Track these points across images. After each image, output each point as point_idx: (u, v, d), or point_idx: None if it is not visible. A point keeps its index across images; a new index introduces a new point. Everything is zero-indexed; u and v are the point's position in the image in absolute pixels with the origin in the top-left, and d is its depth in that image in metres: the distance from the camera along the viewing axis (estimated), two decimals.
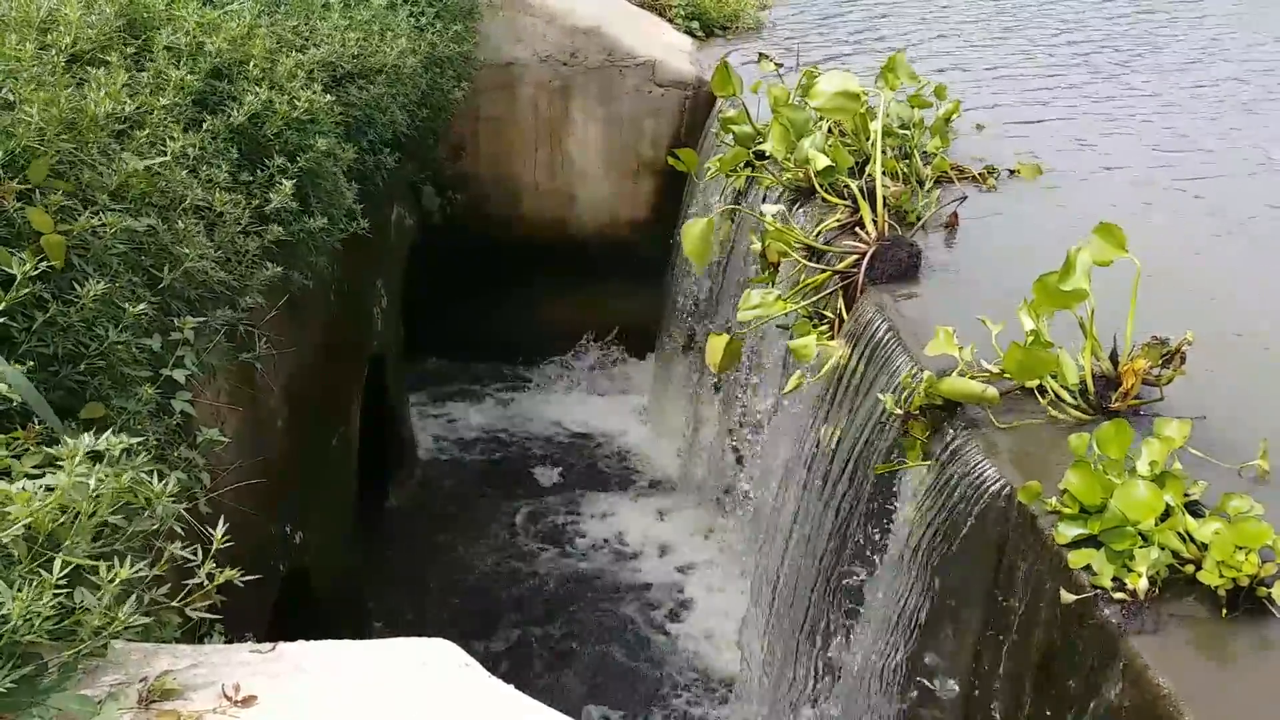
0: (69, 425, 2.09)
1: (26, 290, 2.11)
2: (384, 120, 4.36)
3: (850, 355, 3.98)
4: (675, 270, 7.18)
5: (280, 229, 3.16)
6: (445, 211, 7.64)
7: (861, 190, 4.40)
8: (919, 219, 4.52)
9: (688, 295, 6.89)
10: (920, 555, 3.35)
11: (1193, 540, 2.53)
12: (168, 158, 2.78)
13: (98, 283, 2.27)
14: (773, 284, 4.57)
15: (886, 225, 4.27)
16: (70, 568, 1.61)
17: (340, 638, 1.93)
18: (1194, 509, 2.64)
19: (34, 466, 1.78)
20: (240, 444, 3.39)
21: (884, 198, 4.32)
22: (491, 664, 1.88)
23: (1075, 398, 3.13)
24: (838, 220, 4.51)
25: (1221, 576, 2.43)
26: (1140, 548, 2.52)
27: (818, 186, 4.63)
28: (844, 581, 4.05)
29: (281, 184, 3.21)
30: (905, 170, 4.78)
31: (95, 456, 1.77)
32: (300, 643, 1.88)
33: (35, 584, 1.54)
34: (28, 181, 2.33)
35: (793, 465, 4.77)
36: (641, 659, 5.84)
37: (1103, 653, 2.45)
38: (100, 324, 2.29)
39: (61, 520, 1.66)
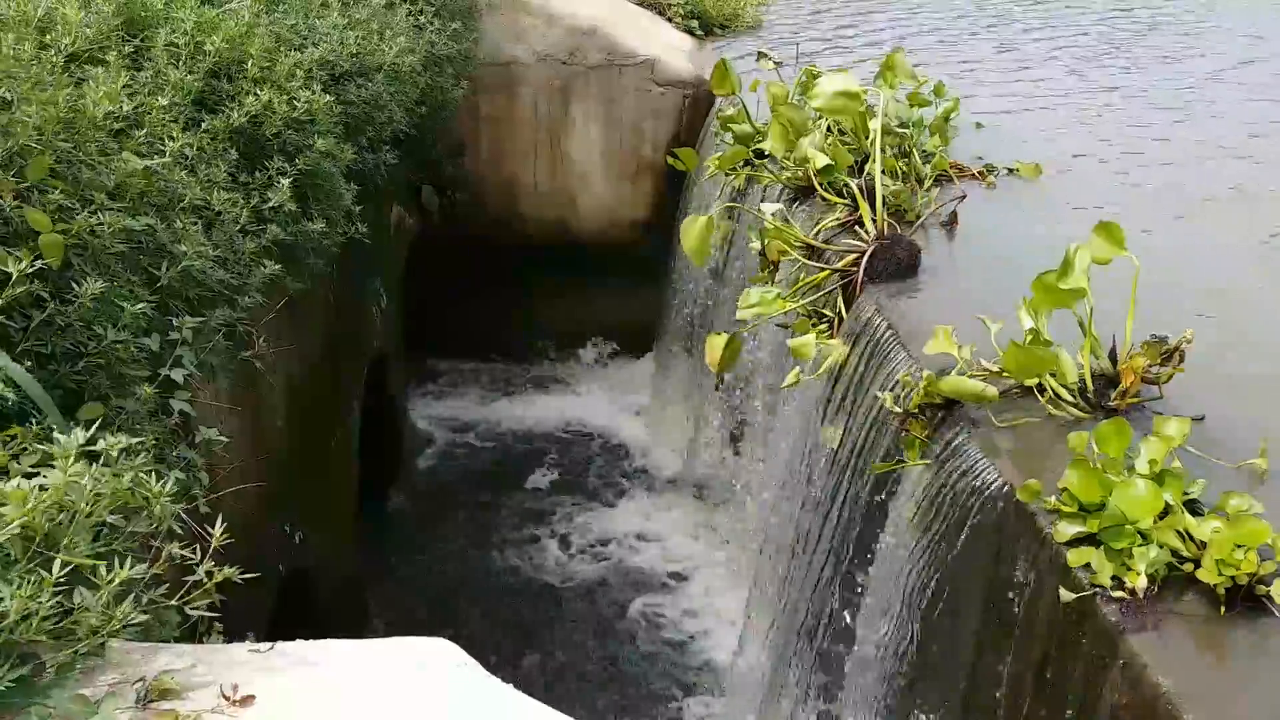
0: (68, 424, 2.09)
1: (24, 289, 2.11)
2: (382, 119, 4.36)
3: (850, 354, 3.97)
4: (674, 269, 7.17)
5: (279, 229, 3.16)
6: (445, 211, 7.63)
7: (861, 189, 4.40)
8: (918, 217, 4.52)
9: (687, 294, 6.89)
10: (919, 554, 3.34)
11: (1192, 539, 2.53)
12: (166, 157, 2.78)
13: (96, 282, 2.26)
14: (772, 283, 4.57)
15: (886, 224, 4.27)
16: (69, 568, 1.61)
17: (340, 637, 1.93)
18: (1193, 507, 2.63)
19: (32, 465, 1.78)
20: (240, 444, 3.39)
21: (883, 196, 4.32)
22: (490, 663, 1.87)
23: (1074, 396, 3.12)
24: (837, 219, 4.51)
25: (1220, 575, 2.42)
26: (1139, 546, 2.52)
27: (817, 185, 4.62)
28: (844, 580, 4.05)
29: (280, 183, 3.21)
30: (904, 169, 4.78)
31: (92, 456, 1.77)
32: (299, 642, 1.88)
33: (33, 582, 1.54)
34: (25, 180, 2.33)
35: (792, 464, 4.77)
36: (641, 657, 5.84)
37: (1102, 651, 2.45)
38: (99, 323, 2.29)
39: (59, 520, 1.66)
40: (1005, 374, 3.21)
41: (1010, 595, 2.85)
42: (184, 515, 2.16)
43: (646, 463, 7.46)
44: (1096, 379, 3.14)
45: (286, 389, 4.03)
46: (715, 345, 4.46)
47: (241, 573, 1.93)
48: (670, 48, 7.55)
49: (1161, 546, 2.51)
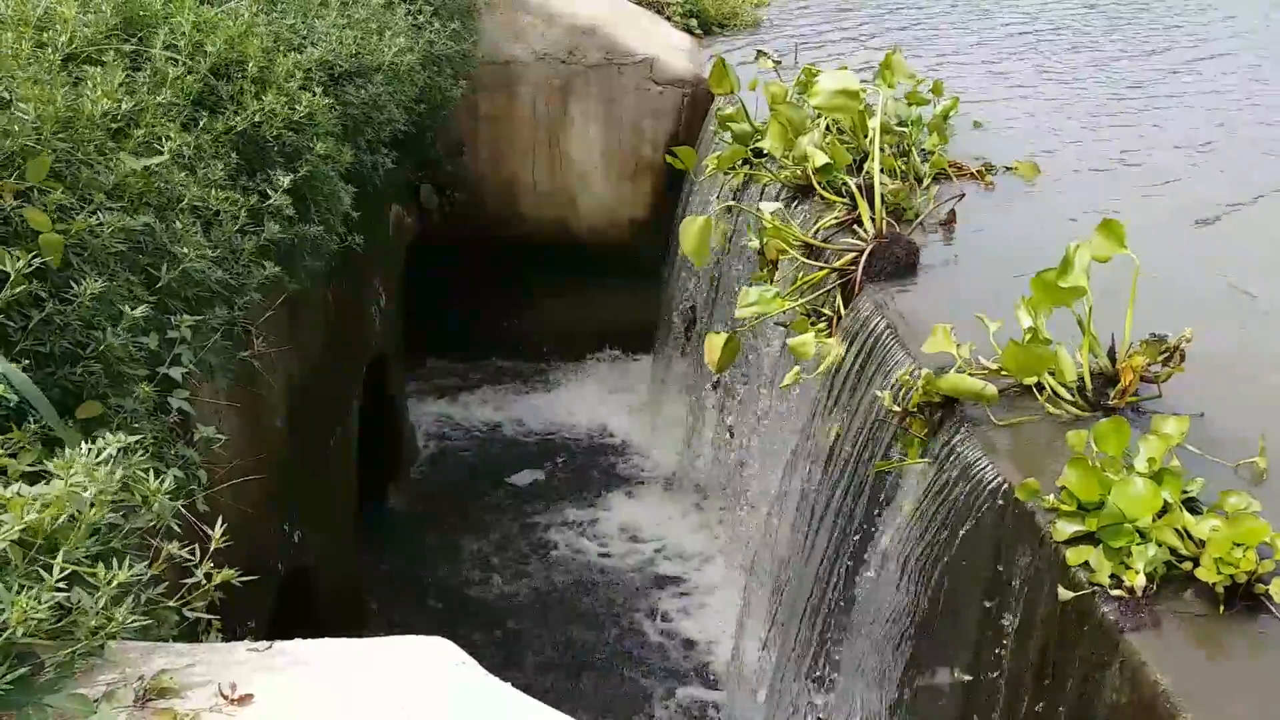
0: (66, 423, 2.09)
1: (22, 288, 2.11)
2: (381, 119, 4.35)
3: (848, 353, 3.97)
4: (674, 268, 7.17)
5: (277, 227, 3.16)
6: (444, 210, 7.63)
7: (860, 188, 4.40)
8: (917, 216, 4.52)
9: (686, 293, 6.89)
10: (918, 552, 3.35)
11: (1190, 537, 2.53)
12: (165, 157, 2.77)
13: (95, 281, 2.26)
14: (771, 282, 4.57)
15: (885, 223, 4.27)
16: (68, 570, 1.61)
17: (338, 636, 1.92)
18: (1192, 506, 2.64)
19: (29, 465, 1.78)
20: (239, 443, 3.39)
21: (882, 195, 4.32)
22: (489, 662, 1.87)
23: (1073, 395, 3.13)
24: (836, 218, 4.51)
25: (1219, 573, 2.43)
26: (1138, 545, 2.52)
27: (816, 184, 4.63)
28: (843, 579, 4.05)
29: (279, 181, 3.21)
30: (903, 168, 4.78)
31: (95, 464, 1.77)
32: (297, 641, 1.88)
33: (34, 590, 1.54)
34: (25, 180, 2.33)
35: (791, 462, 4.77)
36: (641, 655, 5.84)
37: (1101, 650, 2.45)
38: (97, 323, 2.29)
39: (60, 521, 1.66)
40: (1004, 372, 3.22)
41: (1009, 594, 2.85)
42: (184, 513, 2.16)
43: (646, 461, 7.46)
44: (1095, 378, 3.15)
45: (286, 388, 4.03)
46: (714, 344, 4.46)
47: (240, 574, 1.93)
48: (669, 47, 7.55)
49: (1160, 545, 2.52)
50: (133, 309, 2.34)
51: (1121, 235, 3.10)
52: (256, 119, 3.32)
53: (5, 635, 1.49)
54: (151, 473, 1.90)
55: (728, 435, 6.24)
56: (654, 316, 7.65)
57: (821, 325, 4.24)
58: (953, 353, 3.30)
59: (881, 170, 4.42)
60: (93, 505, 1.68)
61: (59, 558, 1.60)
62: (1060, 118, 6.28)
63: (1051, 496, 2.73)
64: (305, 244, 3.48)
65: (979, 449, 3.07)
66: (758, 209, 4.67)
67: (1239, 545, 2.43)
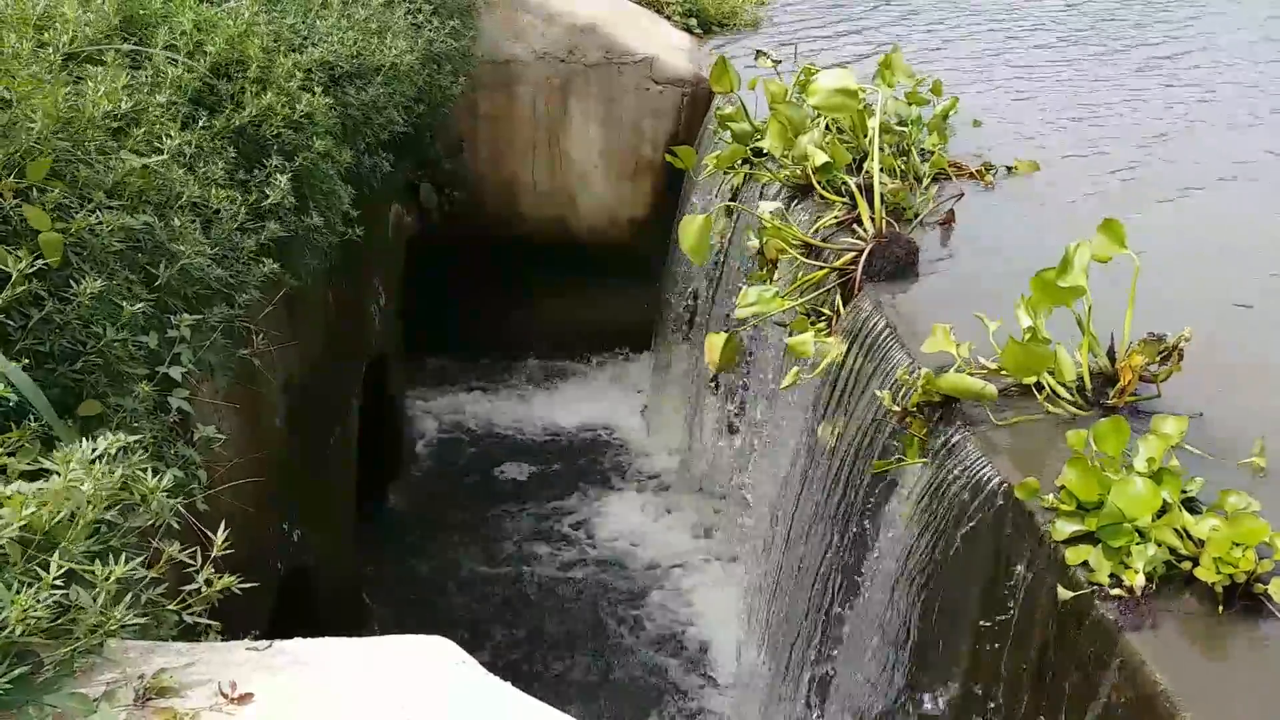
0: (66, 422, 2.09)
1: (23, 288, 2.11)
2: (381, 120, 4.35)
3: (848, 352, 3.98)
4: (673, 268, 7.18)
5: (277, 225, 3.16)
6: (444, 210, 7.62)
7: (859, 187, 4.40)
8: (917, 216, 4.52)
9: (686, 293, 6.89)
10: (918, 552, 3.35)
11: (1190, 537, 2.53)
12: (165, 155, 2.77)
13: (94, 280, 2.26)
14: (770, 281, 4.57)
15: (884, 222, 4.27)
16: (66, 568, 1.61)
17: (338, 636, 1.92)
18: (1191, 505, 2.64)
19: (28, 463, 1.78)
20: (239, 442, 3.39)
21: (881, 195, 4.32)
22: (488, 661, 1.88)
23: (1072, 394, 3.13)
24: (835, 217, 4.51)
25: (1218, 573, 2.43)
26: (1137, 544, 2.52)
27: (815, 184, 4.63)
28: (843, 578, 4.05)
29: (278, 180, 3.21)
30: (903, 167, 4.78)
31: (93, 459, 1.77)
32: (297, 640, 1.88)
33: (34, 588, 1.54)
34: (25, 180, 2.33)
35: (791, 462, 4.77)
36: (642, 654, 5.84)
37: (1100, 649, 2.45)
38: (97, 321, 2.29)
39: (57, 519, 1.66)
40: (1003, 372, 3.22)
41: (1008, 593, 2.85)
42: (184, 513, 2.16)
43: (645, 461, 7.46)
44: (1095, 377, 3.15)
45: (285, 388, 4.03)
46: (714, 344, 4.47)
47: (240, 579, 1.93)
48: (669, 46, 7.55)
49: (1159, 545, 2.52)
50: (131, 306, 2.33)
51: (1121, 235, 3.10)
52: (256, 118, 3.32)
53: (4, 633, 1.49)
54: (150, 471, 1.90)
55: (727, 435, 6.24)
56: (654, 316, 7.65)
57: (821, 325, 4.24)
58: (952, 352, 3.31)
59: (881, 170, 4.42)
60: (91, 503, 1.68)
61: (57, 555, 1.60)
62: (1062, 117, 6.28)
63: (1051, 496, 2.73)
64: (305, 239, 3.48)
65: (978, 448, 3.07)
66: (757, 208, 4.67)
67: (1238, 545, 2.43)
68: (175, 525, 1.96)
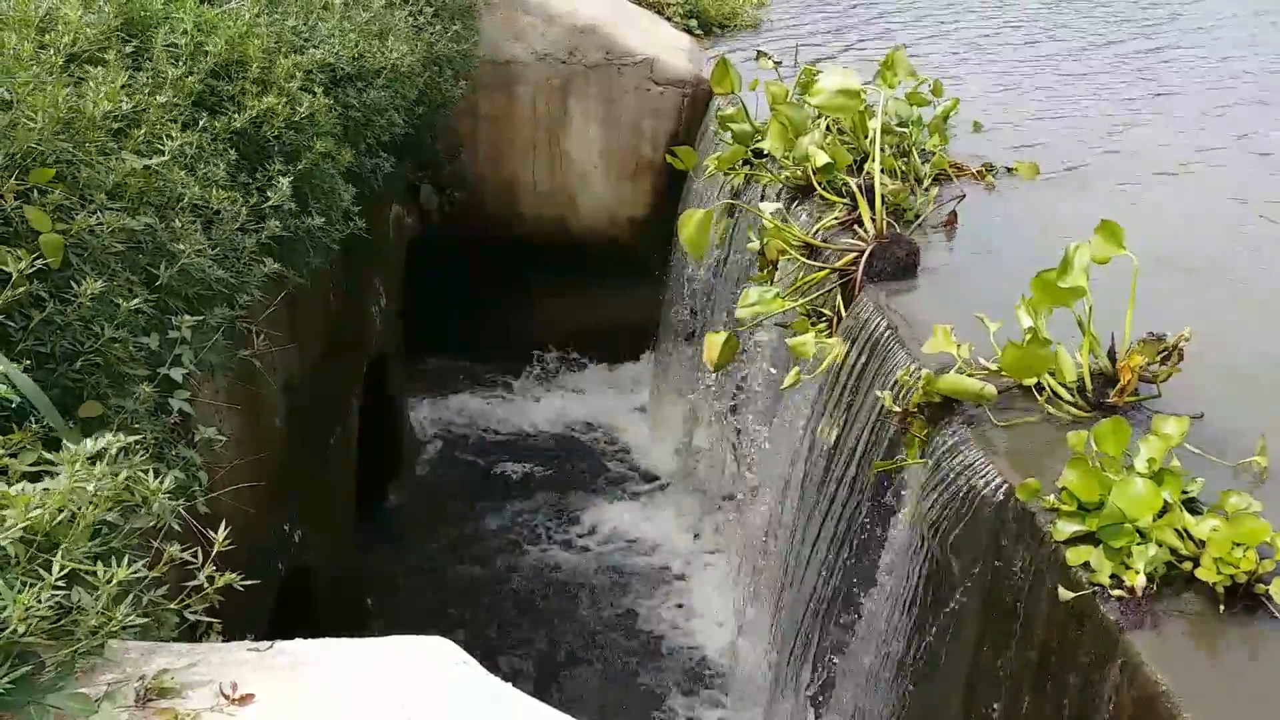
0: (67, 423, 2.09)
1: (24, 289, 2.11)
2: (381, 122, 4.36)
3: (848, 353, 3.98)
4: (673, 268, 7.18)
5: (278, 225, 3.15)
6: (444, 210, 7.63)
7: (860, 188, 4.40)
8: (917, 217, 4.52)
9: (686, 293, 6.90)
10: (918, 552, 3.35)
11: (1190, 537, 2.53)
12: (165, 156, 2.77)
13: (95, 281, 2.26)
14: (771, 282, 4.57)
15: (885, 223, 4.27)
16: (68, 569, 1.61)
17: (339, 636, 1.93)
18: (1192, 506, 2.64)
19: (30, 465, 1.78)
20: (239, 443, 3.39)
21: (882, 196, 4.32)
22: (489, 662, 1.88)
23: (1073, 395, 3.13)
24: (836, 218, 4.51)
25: (1219, 573, 2.43)
26: (1138, 545, 2.52)
27: (816, 184, 4.63)
28: (842, 578, 4.05)
29: (280, 183, 3.21)
30: (904, 168, 4.78)
31: (93, 457, 1.77)
32: (298, 640, 1.88)
33: (36, 588, 1.54)
34: (26, 181, 2.33)
35: (791, 462, 4.77)
36: (641, 655, 5.84)
37: (1101, 649, 2.45)
38: (98, 322, 2.29)
39: (59, 519, 1.66)
40: (1004, 373, 3.22)
41: (1009, 594, 2.85)
42: (184, 514, 2.16)
43: (645, 461, 7.46)
44: (1095, 377, 3.15)
45: (286, 388, 4.03)
46: (714, 343, 4.46)
47: (241, 577, 1.92)
48: (669, 47, 7.55)
49: (1160, 545, 2.52)
50: (129, 304, 2.33)
51: (1120, 236, 3.10)
52: (257, 119, 3.32)
53: (7, 633, 1.49)
54: (151, 473, 1.90)
55: (728, 435, 6.24)
56: (654, 316, 7.65)
57: (822, 325, 4.24)
58: (953, 353, 3.31)
59: (882, 170, 4.42)
60: (93, 503, 1.68)
61: (59, 556, 1.60)
62: (1067, 116, 6.28)
63: (1052, 496, 2.73)
64: (306, 237, 3.48)
65: (979, 449, 3.07)
66: (758, 209, 4.67)
67: (1239, 545, 2.44)
68: (176, 526, 1.96)
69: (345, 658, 1.85)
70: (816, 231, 4.52)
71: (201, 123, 3.16)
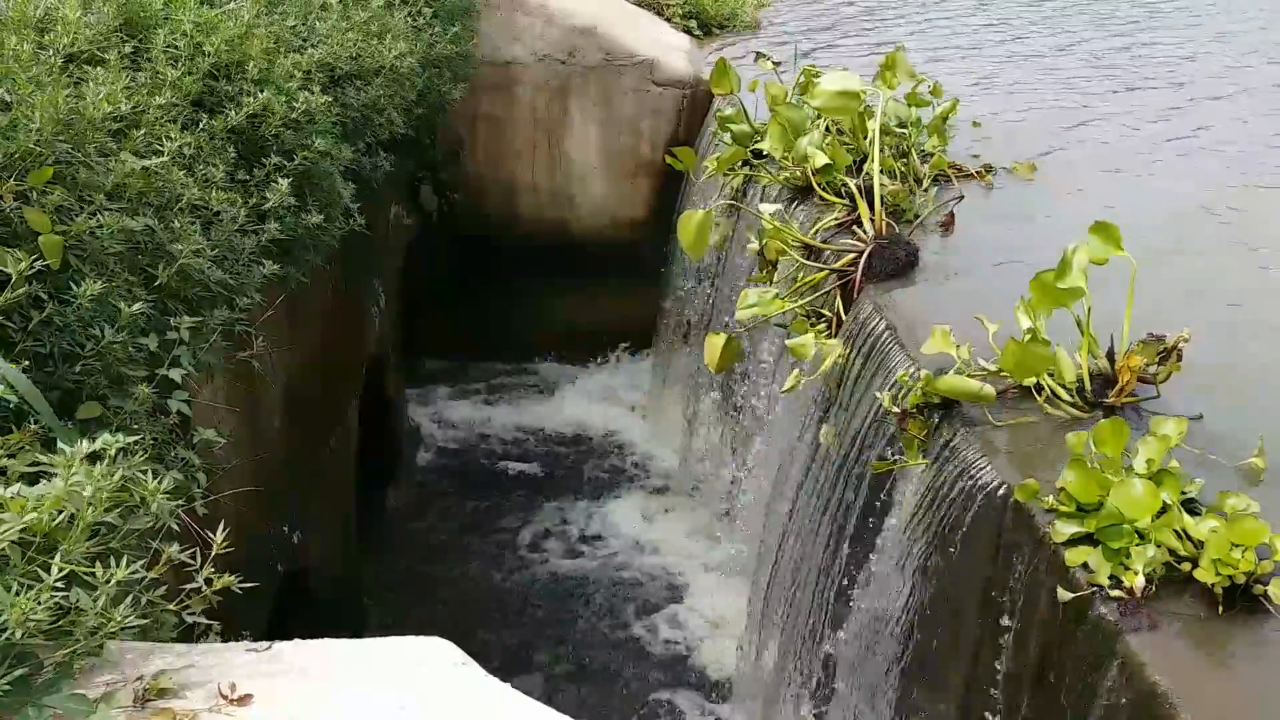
0: (66, 424, 2.09)
1: (23, 290, 2.11)
2: (380, 121, 4.36)
3: (848, 354, 3.98)
4: (673, 269, 7.18)
5: (277, 226, 3.16)
6: (443, 211, 7.63)
7: (859, 189, 4.41)
8: (917, 217, 4.52)
9: (686, 294, 6.90)
10: (917, 553, 3.35)
11: (1189, 538, 2.53)
12: (165, 157, 2.77)
13: (94, 282, 2.26)
14: (770, 283, 4.57)
15: (884, 224, 4.27)
16: (67, 571, 1.61)
17: (338, 637, 1.93)
18: (1191, 507, 2.64)
19: (28, 465, 1.78)
20: (238, 444, 3.39)
21: (882, 196, 4.32)
22: (488, 663, 1.88)
23: (1072, 395, 3.13)
24: (835, 219, 4.51)
25: (1218, 574, 2.43)
26: (1137, 545, 2.52)
27: (815, 185, 4.63)
28: (842, 578, 4.05)
29: (278, 183, 3.21)
30: (903, 169, 4.78)
31: (91, 458, 1.77)
32: (297, 641, 1.88)
33: (34, 591, 1.54)
34: (25, 181, 2.33)
35: (791, 463, 4.78)
36: (640, 656, 5.84)
37: (1099, 651, 2.45)
38: (97, 323, 2.29)
39: (57, 521, 1.66)
40: (1003, 373, 3.22)
41: (1008, 595, 2.86)
42: (183, 515, 2.17)
43: (645, 462, 7.46)
44: (1094, 378, 3.15)
45: (284, 389, 4.03)
46: (714, 345, 4.47)
47: (240, 579, 1.93)
48: (669, 47, 7.55)
49: (1159, 546, 2.52)
50: (130, 307, 2.33)
51: (1117, 237, 3.11)
52: (255, 117, 3.32)
53: (4, 636, 1.49)
54: (150, 474, 1.90)
55: (728, 435, 6.24)
56: (654, 317, 7.65)
57: (821, 326, 4.24)
58: (952, 354, 3.31)
59: (881, 171, 4.42)
60: (91, 505, 1.68)
61: (57, 558, 1.60)
62: (1063, 119, 6.28)
63: (1050, 497, 2.73)
64: (306, 236, 3.47)
65: (978, 450, 3.07)
66: (757, 210, 4.68)
67: (1238, 546, 2.44)
68: (175, 527, 1.96)
69: (344, 658, 1.85)
70: (816, 232, 4.52)
71: (201, 124, 3.16)
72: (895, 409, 3.41)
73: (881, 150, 4.49)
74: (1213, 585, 2.44)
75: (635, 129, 7.44)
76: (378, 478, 6.57)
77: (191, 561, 1.92)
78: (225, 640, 2.04)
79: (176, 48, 3.27)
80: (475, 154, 7.62)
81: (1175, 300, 3.76)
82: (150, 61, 3.15)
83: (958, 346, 3.31)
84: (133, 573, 1.67)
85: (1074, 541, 2.61)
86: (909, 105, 5.10)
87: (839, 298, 4.24)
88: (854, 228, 4.36)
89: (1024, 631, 2.79)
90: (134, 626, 1.68)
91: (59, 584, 1.57)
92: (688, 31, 8.02)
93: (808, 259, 4.45)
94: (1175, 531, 2.54)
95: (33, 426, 1.95)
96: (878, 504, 3.72)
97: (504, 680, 1.82)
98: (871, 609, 3.77)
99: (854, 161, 4.68)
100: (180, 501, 2.07)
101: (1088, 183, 5.24)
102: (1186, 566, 2.50)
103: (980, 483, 3.00)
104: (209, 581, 1.89)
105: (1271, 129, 6.15)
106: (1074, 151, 5.69)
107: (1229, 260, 4.39)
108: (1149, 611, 2.44)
